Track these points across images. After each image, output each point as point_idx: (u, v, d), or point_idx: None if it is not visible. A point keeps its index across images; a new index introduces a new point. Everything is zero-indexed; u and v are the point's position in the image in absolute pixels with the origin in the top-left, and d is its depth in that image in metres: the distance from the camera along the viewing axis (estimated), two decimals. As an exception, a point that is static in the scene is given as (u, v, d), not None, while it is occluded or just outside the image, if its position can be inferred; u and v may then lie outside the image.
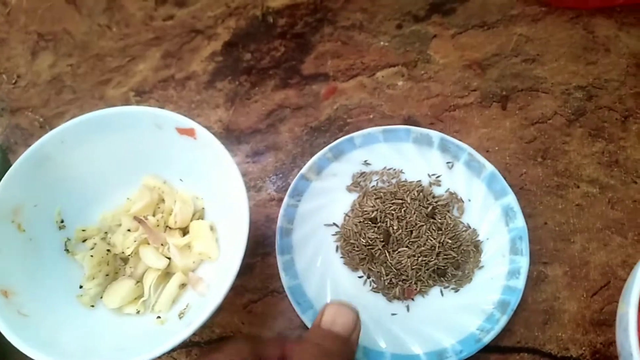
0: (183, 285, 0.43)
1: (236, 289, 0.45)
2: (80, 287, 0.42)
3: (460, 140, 0.49)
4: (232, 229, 0.39)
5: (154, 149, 0.43)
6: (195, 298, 0.42)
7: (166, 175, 0.46)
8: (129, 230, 0.43)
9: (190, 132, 0.41)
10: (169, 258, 0.43)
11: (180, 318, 0.40)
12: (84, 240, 0.44)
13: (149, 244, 0.43)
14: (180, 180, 0.45)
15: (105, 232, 0.44)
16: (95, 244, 0.43)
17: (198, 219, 0.44)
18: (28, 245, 0.41)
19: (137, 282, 0.42)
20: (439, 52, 0.55)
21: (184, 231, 0.44)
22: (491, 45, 0.55)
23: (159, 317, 0.41)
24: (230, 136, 0.52)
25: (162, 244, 0.43)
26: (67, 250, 0.43)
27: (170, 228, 0.44)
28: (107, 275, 0.43)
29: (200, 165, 0.42)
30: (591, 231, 0.46)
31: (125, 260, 0.44)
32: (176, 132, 0.41)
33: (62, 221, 0.44)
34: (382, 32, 0.56)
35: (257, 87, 0.54)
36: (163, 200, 0.45)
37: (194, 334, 0.43)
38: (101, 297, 0.42)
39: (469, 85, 0.54)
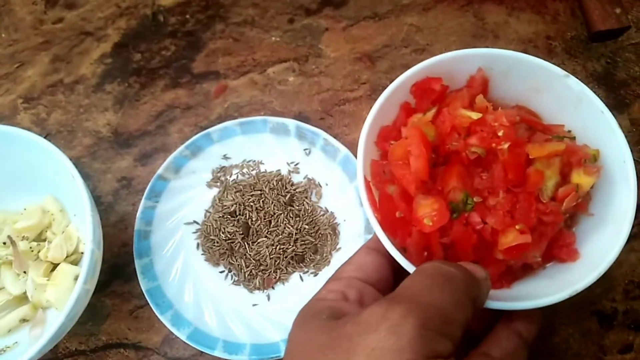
0: (25, 321, 0.40)
1: (123, 296, 0.44)
2: None
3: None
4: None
5: (59, 174, 0.41)
6: (26, 340, 0.39)
7: (68, 204, 0.44)
8: (4, 243, 0.41)
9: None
10: None
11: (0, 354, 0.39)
12: None
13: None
14: (74, 215, 0.43)
15: None
16: None
17: (71, 263, 0.42)
18: None
19: None
20: (330, 45, 0.54)
21: (55, 267, 0.42)
22: (382, 36, 0.54)
23: None
24: (119, 139, 0.51)
25: (24, 272, 0.41)
26: None
27: (40, 259, 0.41)
28: None
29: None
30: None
31: None
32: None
33: None
34: (274, 27, 0.55)
35: (147, 87, 0.53)
36: (51, 228, 0.43)
37: (80, 342, 0.43)
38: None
39: (359, 78, 0.52)
